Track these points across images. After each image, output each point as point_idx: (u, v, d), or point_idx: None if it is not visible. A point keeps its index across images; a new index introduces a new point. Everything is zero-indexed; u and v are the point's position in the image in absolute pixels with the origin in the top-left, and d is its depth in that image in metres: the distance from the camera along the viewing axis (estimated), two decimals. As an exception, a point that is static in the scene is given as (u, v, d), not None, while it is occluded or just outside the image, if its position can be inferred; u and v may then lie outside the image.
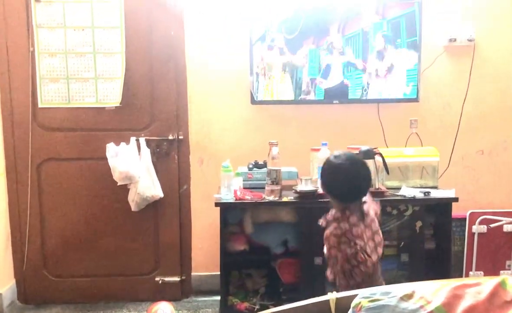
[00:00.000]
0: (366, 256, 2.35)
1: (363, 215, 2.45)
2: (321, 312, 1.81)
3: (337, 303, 1.81)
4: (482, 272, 3.81)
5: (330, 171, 2.48)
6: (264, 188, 3.25)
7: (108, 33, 3.65)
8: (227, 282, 3.51)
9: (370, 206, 2.53)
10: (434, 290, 1.68)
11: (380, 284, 2.37)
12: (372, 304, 1.67)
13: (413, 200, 3.23)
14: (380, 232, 2.52)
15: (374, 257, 2.41)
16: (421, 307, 1.63)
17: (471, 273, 3.84)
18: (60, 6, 3.61)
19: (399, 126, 3.86)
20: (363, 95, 3.70)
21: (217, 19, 3.77)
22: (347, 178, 2.42)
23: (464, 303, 1.62)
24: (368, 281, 2.35)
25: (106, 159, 3.60)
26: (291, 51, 3.65)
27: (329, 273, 2.52)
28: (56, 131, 3.76)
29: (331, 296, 1.85)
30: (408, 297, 1.67)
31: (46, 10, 3.60)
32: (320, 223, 2.51)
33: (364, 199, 2.52)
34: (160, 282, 3.91)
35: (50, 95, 3.69)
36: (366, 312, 1.66)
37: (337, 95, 3.70)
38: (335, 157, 2.46)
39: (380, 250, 2.48)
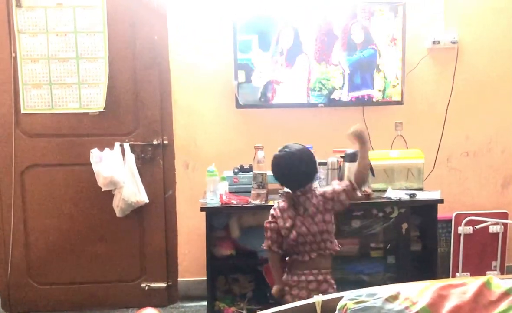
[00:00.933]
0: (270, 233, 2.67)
1: (298, 204, 2.64)
2: (307, 315, 1.81)
3: (322, 305, 1.80)
4: (468, 273, 3.83)
5: (273, 161, 2.71)
6: (250, 192, 3.24)
7: (91, 39, 3.63)
8: (214, 287, 3.49)
9: (312, 199, 2.65)
10: (419, 291, 1.68)
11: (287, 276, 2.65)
12: (357, 306, 1.66)
13: (398, 202, 3.23)
14: (320, 223, 2.62)
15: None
16: (406, 308, 1.62)
17: (457, 274, 3.85)
18: (42, 12, 3.58)
19: (384, 129, 3.87)
20: (348, 98, 3.70)
21: (201, 23, 3.76)
22: (283, 167, 2.66)
23: (449, 304, 1.62)
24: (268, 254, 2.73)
25: (90, 164, 3.58)
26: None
27: None
28: (40, 137, 3.72)
29: (317, 299, 1.84)
30: (393, 298, 1.67)
31: (28, 16, 3.57)
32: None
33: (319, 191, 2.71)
34: (146, 288, 3.88)
35: (33, 101, 3.66)
36: (351, 314, 1.65)
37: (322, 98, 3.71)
38: (280, 149, 2.71)
39: (295, 234, 2.61)
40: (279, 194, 2.78)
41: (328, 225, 2.63)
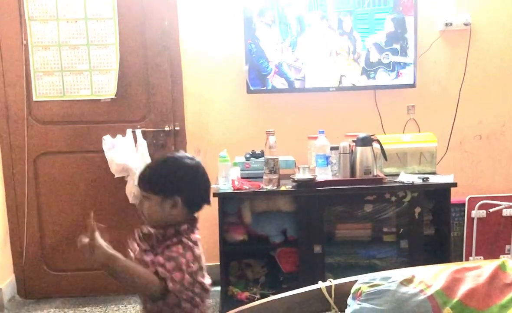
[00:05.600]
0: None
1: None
2: (321, 298, 1.81)
3: (336, 289, 1.80)
4: (482, 257, 3.81)
5: (185, 171, 1.97)
6: (262, 177, 3.25)
7: (101, 25, 3.62)
8: (227, 272, 3.50)
9: None
10: (434, 274, 1.68)
11: None
12: (372, 289, 1.67)
13: (411, 186, 3.21)
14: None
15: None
16: (421, 291, 1.62)
17: (471, 258, 3.83)
18: (53, -2, 3.59)
19: (397, 113, 3.85)
20: (359, 81, 3.68)
21: (212, 8, 3.74)
22: (206, 178, 2.05)
23: (464, 287, 1.62)
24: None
25: (103, 151, 3.60)
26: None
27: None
28: (52, 124, 3.75)
29: (330, 283, 1.84)
30: (408, 281, 1.67)
31: (38, 2, 3.57)
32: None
33: None
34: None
35: (44, 89, 3.67)
36: (366, 297, 1.66)
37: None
38: (187, 157, 2.04)
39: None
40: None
41: None
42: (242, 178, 3.32)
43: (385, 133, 3.71)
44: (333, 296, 1.81)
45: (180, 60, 3.78)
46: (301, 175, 3.20)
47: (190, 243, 1.88)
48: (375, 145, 3.26)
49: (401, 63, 3.67)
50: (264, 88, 3.68)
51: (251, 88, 3.66)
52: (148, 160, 3.67)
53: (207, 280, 1.94)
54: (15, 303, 3.85)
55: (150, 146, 3.74)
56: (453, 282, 1.63)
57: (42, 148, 3.77)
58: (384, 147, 3.25)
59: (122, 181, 3.70)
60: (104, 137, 3.60)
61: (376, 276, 1.73)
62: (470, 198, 3.84)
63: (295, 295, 1.87)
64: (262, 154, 3.36)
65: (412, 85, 3.70)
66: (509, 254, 3.86)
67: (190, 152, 3.84)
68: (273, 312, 1.85)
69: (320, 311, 1.83)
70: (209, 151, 3.79)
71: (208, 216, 3.73)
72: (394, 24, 3.63)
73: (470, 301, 1.58)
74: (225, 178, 3.23)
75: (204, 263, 1.95)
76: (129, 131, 3.67)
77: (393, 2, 3.60)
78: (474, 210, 3.82)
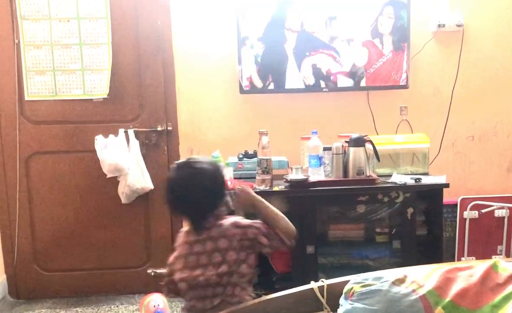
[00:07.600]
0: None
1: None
2: (313, 299, 1.81)
3: (328, 289, 1.81)
4: (474, 258, 3.82)
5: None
6: (254, 177, 3.24)
7: (94, 24, 3.61)
8: (219, 272, 3.49)
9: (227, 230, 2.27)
10: (426, 274, 1.69)
11: None
12: (364, 289, 1.67)
13: (404, 187, 3.21)
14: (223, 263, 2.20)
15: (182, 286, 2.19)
16: (413, 291, 1.63)
17: (463, 258, 3.84)
18: (45, -3, 3.57)
19: (389, 114, 3.85)
20: (353, 82, 3.68)
21: (205, 8, 3.73)
22: (174, 184, 2.19)
23: (456, 286, 1.62)
24: None
25: (95, 151, 3.59)
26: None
27: None
28: (44, 124, 3.73)
29: (323, 283, 1.84)
30: (400, 281, 1.67)
31: (30, 1, 3.55)
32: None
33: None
34: (152, 274, 3.88)
35: (36, 88, 3.65)
36: (358, 297, 1.66)
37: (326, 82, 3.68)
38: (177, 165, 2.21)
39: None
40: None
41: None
42: (235, 178, 3.31)
43: (377, 134, 3.72)
44: (325, 296, 1.82)
45: (173, 60, 3.77)
46: (294, 176, 3.20)
47: None
48: (368, 146, 3.26)
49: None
50: (257, 88, 3.67)
51: (244, 88, 3.65)
52: (140, 160, 3.67)
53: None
54: (6, 303, 3.83)
55: (143, 147, 3.74)
56: (445, 282, 1.64)
57: (34, 148, 3.75)
58: (377, 148, 3.25)
59: (115, 181, 3.69)
60: (96, 137, 3.59)
61: (368, 276, 1.73)
62: (462, 199, 3.85)
63: (287, 295, 1.87)
64: (255, 155, 3.36)
65: (405, 86, 3.71)
66: (501, 254, 3.88)
67: (183, 153, 3.87)
68: (265, 312, 1.84)
69: (312, 311, 1.83)
70: (202, 152, 3.81)
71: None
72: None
73: (462, 301, 1.59)
74: (217, 178, 3.21)
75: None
76: (121, 131, 3.66)
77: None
78: (466, 210, 3.83)
